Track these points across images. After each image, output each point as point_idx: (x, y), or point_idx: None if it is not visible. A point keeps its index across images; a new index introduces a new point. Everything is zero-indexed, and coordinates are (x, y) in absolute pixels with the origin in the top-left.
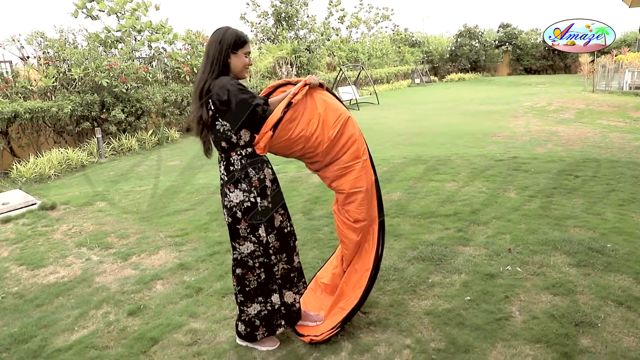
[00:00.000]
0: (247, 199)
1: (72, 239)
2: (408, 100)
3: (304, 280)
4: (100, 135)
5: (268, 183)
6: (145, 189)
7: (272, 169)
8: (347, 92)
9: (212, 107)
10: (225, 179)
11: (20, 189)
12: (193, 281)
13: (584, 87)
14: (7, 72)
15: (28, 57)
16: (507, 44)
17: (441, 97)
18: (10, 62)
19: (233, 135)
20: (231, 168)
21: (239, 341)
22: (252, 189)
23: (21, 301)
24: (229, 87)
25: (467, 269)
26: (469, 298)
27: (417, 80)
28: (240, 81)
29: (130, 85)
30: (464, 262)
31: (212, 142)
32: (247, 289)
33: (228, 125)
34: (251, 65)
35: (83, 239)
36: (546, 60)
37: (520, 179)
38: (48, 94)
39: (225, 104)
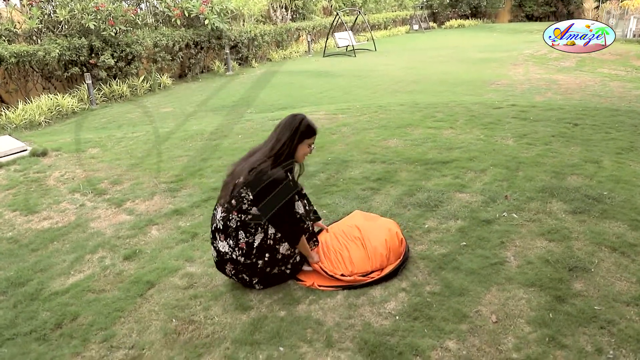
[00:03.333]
0: (230, 252)
1: (65, 185)
2: (406, 47)
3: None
4: (90, 81)
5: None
6: (138, 135)
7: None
8: (343, 38)
9: (250, 190)
10: (220, 227)
11: (10, 135)
12: (188, 226)
13: None
14: None
15: None
16: None
17: (440, 44)
18: None
19: (247, 206)
20: (228, 223)
21: None
22: (237, 248)
23: (16, 246)
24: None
25: (463, 215)
26: (464, 243)
27: (416, 27)
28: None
29: (119, 28)
30: (460, 208)
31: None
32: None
33: (253, 204)
34: (311, 153)
35: (76, 185)
36: (549, 6)
37: (519, 127)
38: (33, 37)
39: (262, 196)
